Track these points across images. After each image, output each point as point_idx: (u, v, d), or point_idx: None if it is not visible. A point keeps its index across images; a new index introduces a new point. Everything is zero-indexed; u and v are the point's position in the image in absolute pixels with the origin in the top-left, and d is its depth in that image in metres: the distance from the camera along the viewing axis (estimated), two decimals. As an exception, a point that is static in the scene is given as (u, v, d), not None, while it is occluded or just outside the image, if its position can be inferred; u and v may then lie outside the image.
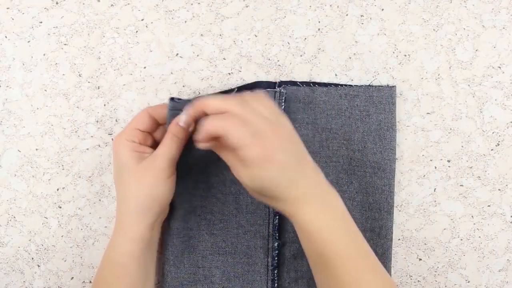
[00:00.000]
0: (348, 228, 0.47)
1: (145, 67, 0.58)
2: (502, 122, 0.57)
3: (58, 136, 0.58)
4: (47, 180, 0.58)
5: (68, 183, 0.58)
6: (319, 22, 0.58)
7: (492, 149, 0.57)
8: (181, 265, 0.55)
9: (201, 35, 0.58)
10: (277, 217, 0.55)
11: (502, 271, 0.57)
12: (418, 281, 0.58)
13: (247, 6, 0.58)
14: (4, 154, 0.58)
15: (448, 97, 0.57)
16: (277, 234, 0.55)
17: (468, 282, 0.57)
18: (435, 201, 0.57)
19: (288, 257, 0.56)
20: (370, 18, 0.58)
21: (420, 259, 0.58)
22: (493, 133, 0.57)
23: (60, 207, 0.58)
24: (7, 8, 0.58)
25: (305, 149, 0.47)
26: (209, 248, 0.56)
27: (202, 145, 0.46)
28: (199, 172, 0.55)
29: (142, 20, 0.58)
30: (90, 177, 0.58)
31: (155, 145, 0.52)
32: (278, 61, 0.58)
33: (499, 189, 0.57)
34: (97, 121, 0.58)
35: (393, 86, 0.56)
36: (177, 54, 0.58)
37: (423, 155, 0.57)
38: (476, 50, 0.57)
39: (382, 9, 0.58)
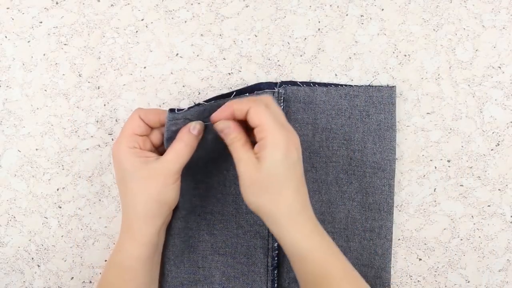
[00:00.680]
0: (334, 247, 0.49)
1: (145, 67, 0.58)
2: (502, 122, 0.57)
3: (58, 136, 0.58)
4: (47, 180, 0.58)
5: (68, 183, 0.58)
6: (319, 22, 0.58)
7: (492, 149, 0.57)
8: (181, 265, 0.56)
9: (201, 35, 0.58)
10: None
11: (502, 271, 0.57)
12: (418, 281, 0.58)
13: (247, 6, 0.58)
14: (4, 154, 0.58)
15: (448, 97, 0.57)
16: (277, 234, 0.55)
17: (468, 282, 0.57)
18: (435, 201, 0.57)
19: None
20: (370, 18, 0.58)
21: (420, 259, 0.58)
22: (493, 133, 0.57)
23: (60, 207, 0.58)
24: (7, 8, 0.58)
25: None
26: (209, 248, 0.56)
27: (221, 124, 0.48)
28: (199, 173, 0.55)
29: (142, 20, 0.58)
30: (90, 177, 0.58)
31: (154, 148, 0.53)
32: (278, 61, 0.58)
33: (499, 189, 0.57)
34: (97, 121, 0.58)
35: (393, 86, 0.56)
36: (177, 54, 0.58)
37: (423, 155, 0.57)
38: (476, 50, 0.57)
39: (382, 9, 0.58)
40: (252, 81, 0.58)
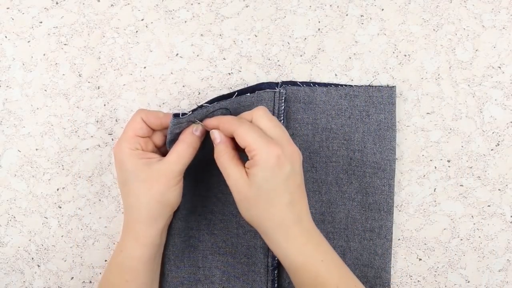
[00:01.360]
0: (331, 255, 0.49)
1: (145, 67, 0.58)
2: (502, 122, 0.57)
3: (58, 136, 0.58)
4: (47, 180, 0.58)
5: (68, 183, 0.58)
6: (319, 22, 0.58)
7: (492, 149, 0.57)
8: (182, 265, 0.56)
9: (201, 35, 0.58)
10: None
11: (502, 271, 0.57)
12: (418, 281, 0.58)
13: (247, 6, 0.58)
14: (4, 154, 0.58)
15: (448, 97, 0.57)
16: (277, 234, 0.55)
17: (468, 282, 0.57)
18: (435, 201, 0.57)
19: (288, 257, 0.56)
20: (370, 18, 0.58)
21: (420, 259, 0.58)
22: (493, 133, 0.57)
23: (60, 207, 0.58)
24: (7, 8, 0.58)
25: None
26: (209, 248, 0.56)
27: (213, 134, 0.49)
28: (200, 172, 0.55)
29: (142, 20, 0.58)
30: (90, 177, 0.58)
31: (156, 149, 0.53)
32: (278, 61, 0.58)
33: (499, 189, 0.57)
34: (97, 121, 0.58)
35: (393, 86, 0.56)
36: (177, 54, 0.58)
37: (423, 155, 0.57)
38: (476, 50, 0.57)
39: (382, 9, 0.58)
40: (252, 81, 0.58)
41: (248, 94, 0.54)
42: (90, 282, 0.58)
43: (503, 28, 0.57)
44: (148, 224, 0.50)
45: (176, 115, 0.50)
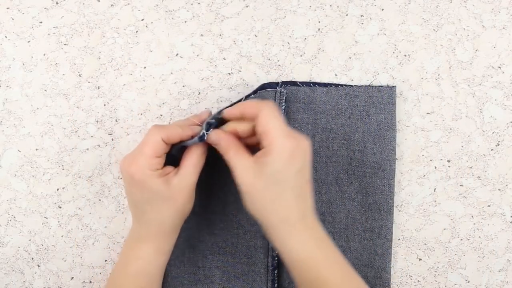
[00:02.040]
0: (334, 253, 0.48)
1: (145, 67, 0.58)
2: (502, 122, 0.57)
3: (58, 136, 0.58)
4: (47, 180, 0.58)
5: (68, 183, 0.58)
6: (319, 22, 0.58)
7: (492, 149, 0.57)
8: (182, 265, 0.56)
9: (201, 35, 0.58)
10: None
11: (502, 271, 0.57)
12: (418, 281, 0.58)
13: (247, 6, 0.58)
14: (4, 154, 0.58)
15: (448, 97, 0.57)
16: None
17: (468, 282, 0.57)
18: (435, 201, 0.57)
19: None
20: (370, 18, 0.58)
21: (420, 259, 0.58)
22: (493, 133, 0.57)
23: (60, 207, 0.58)
24: (7, 8, 0.58)
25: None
26: (209, 248, 0.56)
27: (212, 136, 0.48)
28: (200, 172, 0.55)
29: (142, 20, 0.58)
30: (90, 177, 0.58)
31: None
32: (278, 61, 0.58)
33: (499, 189, 0.57)
34: (97, 121, 0.58)
35: (393, 87, 0.56)
36: (177, 54, 0.58)
37: (423, 155, 0.57)
38: (476, 50, 0.57)
39: (382, 9, 0.58)
40: (252, 81, 0.58)
41: (252, 96, 0.55)
42: (90, 282, 0.58)
43: (503, 28, 0.57)
44: (170, 235, 0.51)
45: (201, 139, 0.49)
